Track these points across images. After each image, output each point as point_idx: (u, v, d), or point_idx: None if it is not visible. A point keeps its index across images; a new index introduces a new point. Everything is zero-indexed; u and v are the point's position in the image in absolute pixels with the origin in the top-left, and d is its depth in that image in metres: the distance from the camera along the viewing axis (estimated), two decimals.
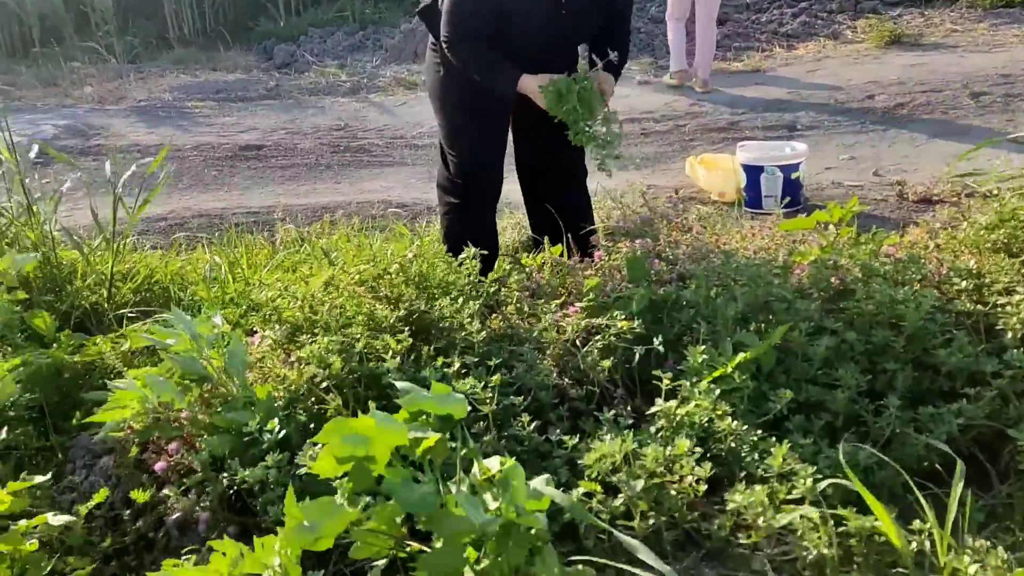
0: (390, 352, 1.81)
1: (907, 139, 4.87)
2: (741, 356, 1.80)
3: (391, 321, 1.96)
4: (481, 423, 1.68)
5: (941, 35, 7.12)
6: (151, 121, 6.51)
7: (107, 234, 2.88)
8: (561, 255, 2.81)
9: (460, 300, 2.06)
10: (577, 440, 1.63)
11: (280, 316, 2.03)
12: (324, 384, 1.74)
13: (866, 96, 5.59)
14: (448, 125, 2.73)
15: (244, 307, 2.42)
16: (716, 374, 1.79)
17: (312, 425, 1.67)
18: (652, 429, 1.72)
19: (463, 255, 2.21)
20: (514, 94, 2.52)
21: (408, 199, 4.39)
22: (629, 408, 1.85)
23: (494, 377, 1.75)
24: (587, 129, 2.45)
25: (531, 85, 2.46)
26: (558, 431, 1.69)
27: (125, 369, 2.04)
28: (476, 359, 1.89)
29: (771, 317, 1.99)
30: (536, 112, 2.54)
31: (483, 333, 1.96)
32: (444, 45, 2.53)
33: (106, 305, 2.67)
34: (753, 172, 3.79)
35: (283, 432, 1.59)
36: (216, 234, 3.96)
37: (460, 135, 2.70)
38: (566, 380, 1.95)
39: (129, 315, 2.54)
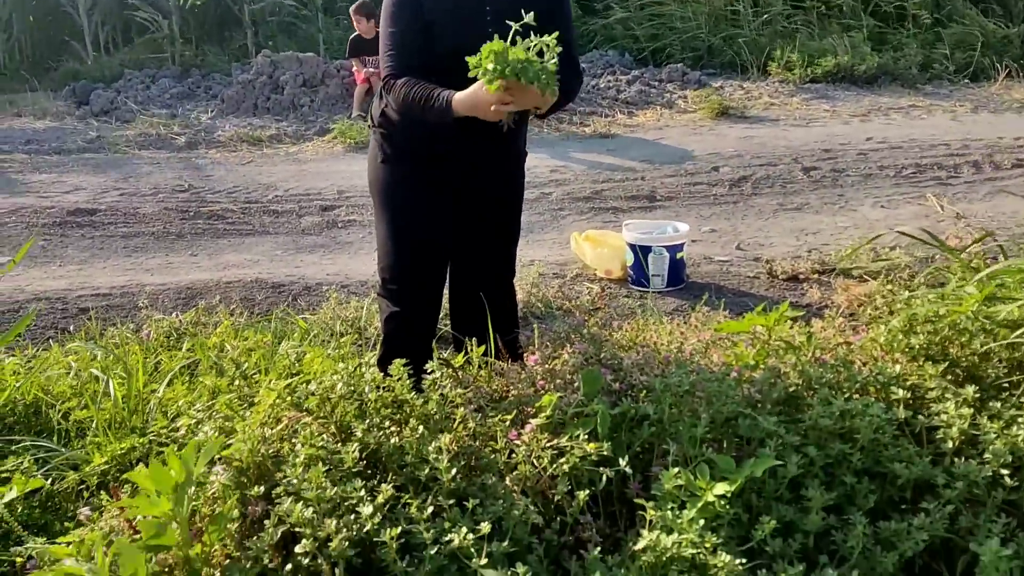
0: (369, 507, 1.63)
1: (755, 212, 5.23)
2: (723, 486, 1.80)
3: (353, 461, 1.78)
4: None
5: (762, 108, 7.79)
6: None
7: None
8: (485, 353, 2.72)
9: (425, 433, 1.90)
10: None
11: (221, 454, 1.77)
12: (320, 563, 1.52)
13: (712, 168, 5.97)
14: (387, 223, 2.48)
15: (149, 438, 2.11)
16: (700, 504, 1.77)
17: None
18: (636, 564, 1.67)
19: (427, 377, 2.06)
20: (451, 117, 2.23)
21: (281, 276, 4.10)
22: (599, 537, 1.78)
23: (483, 525, 1.63)
24: (541, 65, 2.13)
25: (466, 97, 2.19)
26: None
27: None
28: (451, 501, 1.76)
29: (735, 434, 2.01)
30: (476, 203, 2.49)
31: (453, 470, 1.82)
32: (384, 89, 2.39)
33: None
34: (641, 252, 3.89)
35: None
36: (66, 322, 3.49)
37: (401, 234, 2.47)
38: (535, 510, 1.86)
39: None
